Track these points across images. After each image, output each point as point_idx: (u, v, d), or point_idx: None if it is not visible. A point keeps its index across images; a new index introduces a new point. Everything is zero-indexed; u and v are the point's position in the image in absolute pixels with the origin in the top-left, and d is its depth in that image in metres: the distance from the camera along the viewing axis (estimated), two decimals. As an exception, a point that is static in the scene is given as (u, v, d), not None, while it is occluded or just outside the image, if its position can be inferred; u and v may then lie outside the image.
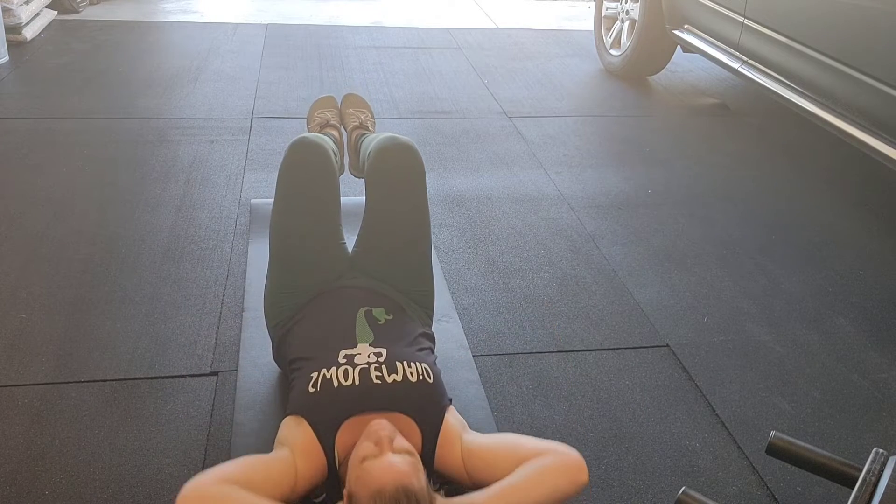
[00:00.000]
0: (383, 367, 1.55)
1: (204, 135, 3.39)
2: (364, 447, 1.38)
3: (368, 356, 1.58)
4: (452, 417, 1.56)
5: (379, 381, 1.53)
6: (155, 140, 3.31)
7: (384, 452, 1.35)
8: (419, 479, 1.31)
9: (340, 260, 1.87)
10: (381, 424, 1.43)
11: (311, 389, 1.54)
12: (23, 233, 2.55)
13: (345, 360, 1.58)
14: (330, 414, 1.50)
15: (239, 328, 2.13)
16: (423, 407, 1.53)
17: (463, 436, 1.53)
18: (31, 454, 1.70)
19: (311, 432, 1.48)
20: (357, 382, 1.53)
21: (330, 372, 1.55)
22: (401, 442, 1.39)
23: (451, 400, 1.62)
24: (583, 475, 1.41)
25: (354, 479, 1.34)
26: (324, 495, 1.51)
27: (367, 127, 2.46)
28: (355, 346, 1.62)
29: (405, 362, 1.58)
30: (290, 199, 1.83)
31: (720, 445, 1.86)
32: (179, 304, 2.24)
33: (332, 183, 1.87)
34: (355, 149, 2.41)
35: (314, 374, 1.56)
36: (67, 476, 1.65)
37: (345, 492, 1.37)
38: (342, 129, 2.57)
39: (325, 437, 1.48)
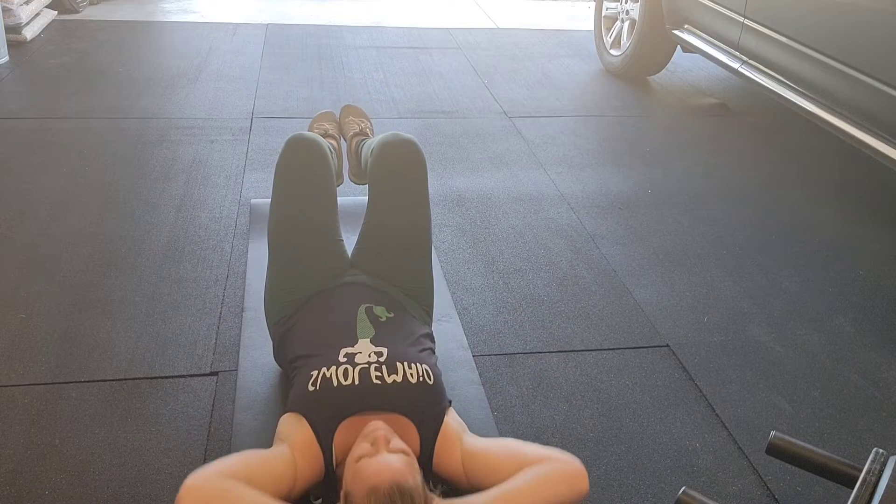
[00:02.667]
0: (384, 367, 1.55)
1: (204, 135, 3.39)
2: (360, 447, 1.39)
3: (369, 355, 1.58)
4: (452, 419, 1.56)
5: (379, 382, 1.53)
6: (155, 140, 3.31)
7: (380, 451, 1.36)
8: (414, 479, 1.32)
9: (339, 257, 1.88)
10: (377, 425, 1.44)
11: (311, 388, 1.54)
12: (23, 233, 2.55)
13: (345, 360, 1.57)
14: (328, 413, 1.50)
15: (239, 328, 2.13)
16: (423, 408, 1.53)
17: (463, 438, 1.53)
18: (31, 454, 1.70)
19: (309, 431, 1.48)
20: (357, 382, 1.53)
21: (330, 371, 1.55)
22: (397, 442, 1.40)
23: (450, 402, 1.62)
24: (584, 484, 1.41)
25: (350, 477, 1.35)
26: (321, 500, 1.51)
27: (367, 133, 2.48)
28: (356, 344, 1.62)
29: (405, 363, 1.58)
30: (287, 196, 1.83)
31: (720, 445, 1.86)
32: (179, 304, 2.24)
33: (329, 179, 1.88)
34: (355, 154, 2.42)
35: (314, 373, 1.56)
36: (67, 476, 1.65)
37: (342, 492, 1.37)
38: (342, 139, 2.59)
39: (324, 436, 1.48)
